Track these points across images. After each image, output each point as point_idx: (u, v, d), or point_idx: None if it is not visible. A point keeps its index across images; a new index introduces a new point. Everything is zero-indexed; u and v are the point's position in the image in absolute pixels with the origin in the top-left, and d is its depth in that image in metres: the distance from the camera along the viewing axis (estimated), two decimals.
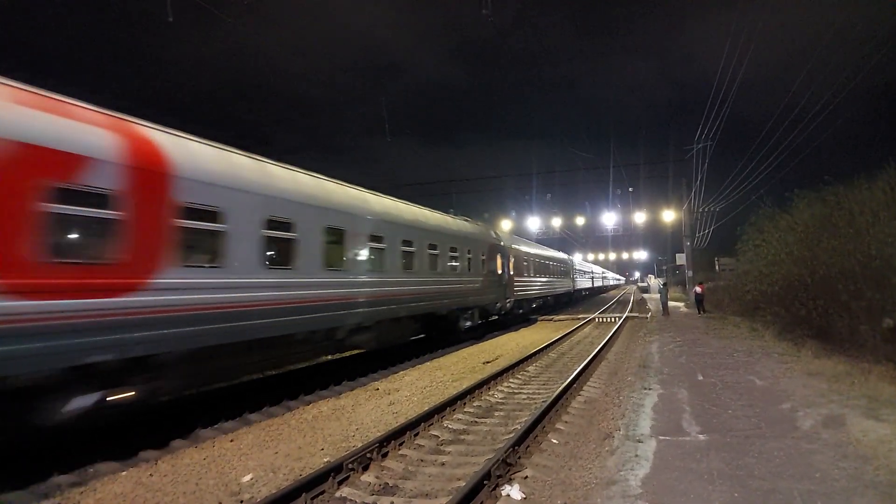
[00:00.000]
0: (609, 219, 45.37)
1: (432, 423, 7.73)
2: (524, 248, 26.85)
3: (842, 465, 5.30)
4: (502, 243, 21.55)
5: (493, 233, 21.28)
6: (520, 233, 39.73)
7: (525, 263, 25.81)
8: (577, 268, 47.22)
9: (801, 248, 15.80)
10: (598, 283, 73.43)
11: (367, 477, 5.76)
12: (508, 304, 21.74)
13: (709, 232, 35.20)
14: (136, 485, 5.73)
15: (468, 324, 17.25)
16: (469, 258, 17.01)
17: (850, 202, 14.32)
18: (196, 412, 8.16)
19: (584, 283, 52.83)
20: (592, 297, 58.94)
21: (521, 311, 25.34)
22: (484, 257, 18.53)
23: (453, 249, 15.81)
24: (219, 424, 8.00)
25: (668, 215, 37.73)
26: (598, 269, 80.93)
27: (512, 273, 22.50)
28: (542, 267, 30.52)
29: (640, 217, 42.82)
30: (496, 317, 20.95)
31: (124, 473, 6.09)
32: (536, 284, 28.33)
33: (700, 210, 33.88)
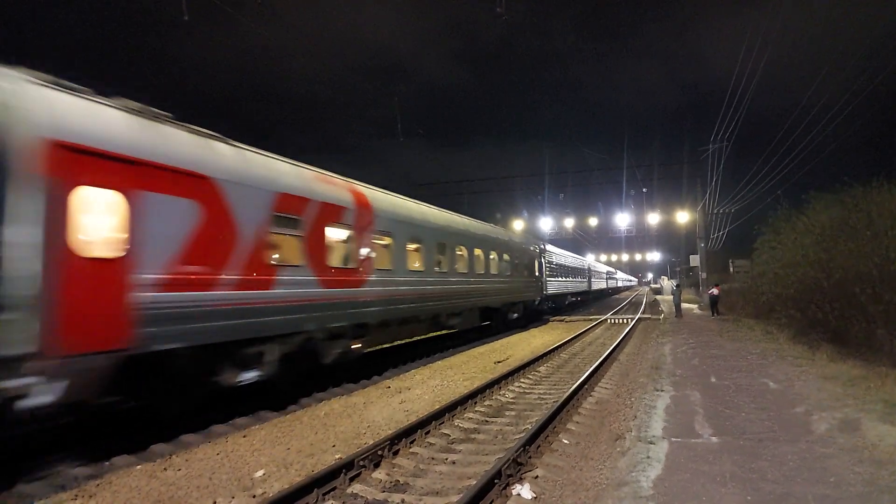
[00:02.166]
0: (622, 219, 45.03)
1: (443, 422, 7.75)
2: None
3: (857, 469, 5.24)
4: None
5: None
6: (531, 234, 39.11)
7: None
8: (556, 261, 31.72)
9: (818, 251, 15.59)
10: (598, 286, 55.94)
11: (378, 474, 5.79)
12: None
13: (723, 234, 34.88)
14: (150, 478, 5.81)
15: None
16: None
17: (869, 204, 14.11)
18: (209, 408, 8.24)
19: (559, 284, 32.71)
20: (602, 300, 57.96)
21: None
22: None
23: None
24: (232, 420, 8.08)
25: (682, 216, 37.42)
26: (602, 267, 64.31)
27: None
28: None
29: (653, 218, 42.49)
30: None
31: (139, 467, 6.18)
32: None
33: (715, 211, 33.56)
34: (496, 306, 19.31)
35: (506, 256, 20.43)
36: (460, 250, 16.09)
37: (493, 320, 19.82)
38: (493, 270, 18.91)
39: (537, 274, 25.59)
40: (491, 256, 18.75)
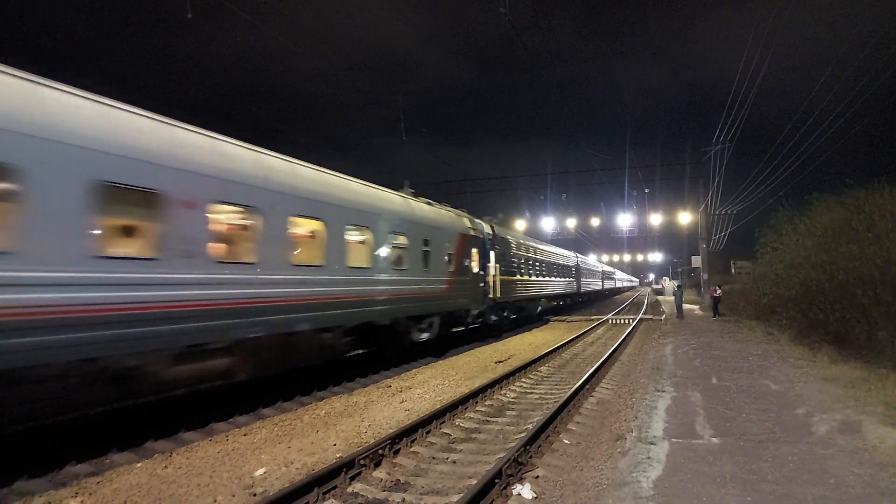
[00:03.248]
0: (624, 220, 45.07)
1: (444, 422, 7.76)
2: None
3: (857, 471, 5.24)
4: None
5: None
6: (534, 233, 39.08)
7: None
8: (519, 252, 22.74)
9: (819, 252, 15.59)
10: (591, 287, 46.44)
11: (379, 473, 5.80)
12: None
13: (725, 235, 34.86)
14: (151, 476, 5.83)
15: None
16: None
17: (871, 206, 14.11)
18: (210, 406, 8.26)
19: (525, 286, 23.32)
20: (602, 301, 57.83)
21: None
22: None
23: None
24: (233, 419, 8.10)
25: (685, 217, 37.42)
26: (596, 265, 54.93)
27: None
28: None
29: (655, 219, 42.51)
30: None
31: (140, 465, 6.19)
32: None
33: (717, 212, 33.56)
34: (381, 322, 11.50)
35: (401, 240, 12.36)
36: (258, 220, 8.18)
37: (379, 345, 12.59)
38: (365, 263, 10.97)
39: (477, 271, 17.00)
40: (361, 238, 11.11)
